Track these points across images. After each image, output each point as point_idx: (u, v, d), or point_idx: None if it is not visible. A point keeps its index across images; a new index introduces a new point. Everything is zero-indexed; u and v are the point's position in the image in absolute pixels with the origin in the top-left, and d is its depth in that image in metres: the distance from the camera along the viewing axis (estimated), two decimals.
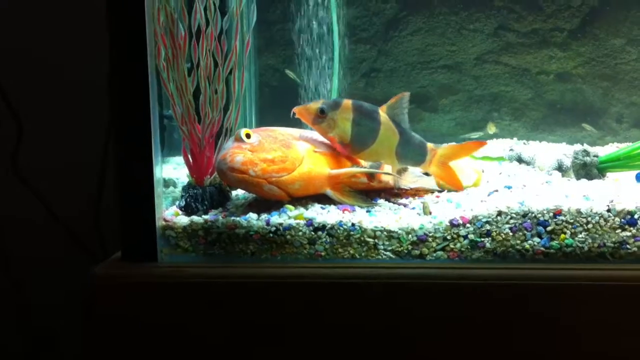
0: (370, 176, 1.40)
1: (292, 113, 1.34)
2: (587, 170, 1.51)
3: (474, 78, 2.20)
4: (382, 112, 1.37)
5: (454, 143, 2.07)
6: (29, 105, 1.74)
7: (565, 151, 1.70)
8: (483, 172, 1.54)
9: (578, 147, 1.78)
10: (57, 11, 1.74)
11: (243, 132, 1.28)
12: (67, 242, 1.77)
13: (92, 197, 1.74)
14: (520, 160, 1.72)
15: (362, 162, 1.41)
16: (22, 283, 1.81)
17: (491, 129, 2.15)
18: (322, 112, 1.34)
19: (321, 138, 1.40)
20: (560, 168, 1.57)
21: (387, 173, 1.40)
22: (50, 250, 1.78)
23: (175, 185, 1.56)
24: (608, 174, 1.53)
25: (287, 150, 1.30)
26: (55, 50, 1.74)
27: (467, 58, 2.19)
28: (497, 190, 1.39)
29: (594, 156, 1.51)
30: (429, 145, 1.43)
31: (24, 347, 1.86)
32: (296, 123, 1.39)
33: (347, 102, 1.35)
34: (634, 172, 1.48)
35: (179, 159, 1.46)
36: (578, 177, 1.52)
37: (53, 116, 1.77)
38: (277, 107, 2.11)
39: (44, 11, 1.75)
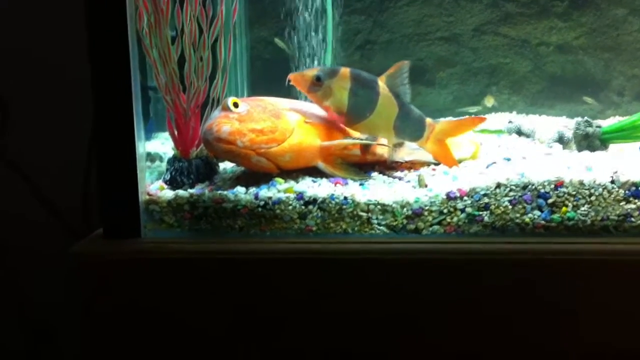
0: (364, 149, 1.34)
1: (287, 80, 1.28)
2: (590, 141, 1.46)
3: (471, 50, 2.13)
4: (382, 83, 1.31)
5: (451, 118, 2.04)
6: (15, 92, 1.67)
7: (566, 123, 1.64)
8: (481, 144, 1.48)
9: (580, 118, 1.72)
10: (40, 3, 1.67)
11: (231, 100, 1.23)
12: (54, 225, 1.71)
13: (80, 179, 1.67)
14: (519, 132, 1.67)
15: (355, 135, 1.35)
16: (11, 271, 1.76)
17: (489, 101, 2.09)
18: (318, 80, 1.28)
19: (312, 109, 1.34)
20: (561, 140, 1.51)
21: (381, 144, 1.34)
22: (37, 235, 1.73)
23: (161, 160, 1.51)
24: (611, 145, 1.48)
25: (276, 121, 1.25)
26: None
27: (464, 29, 2.13)
28: (495, 163, 1.34)
29: (597, 127, 1.45)
30: (428, 120, 1.37)
31: (22, 339, 1.81)
32: (289, 96, 1.33)
33: (345, 70, 1.29)
34: (638, 143, 1.42)
35: (168, 134, 1.41)
36: (580, 149, 1.47)
37: (39, 101, 1.70)
38: (269, 80, 2.04)
39: (27, 3, 1.68)
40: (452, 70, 2.16)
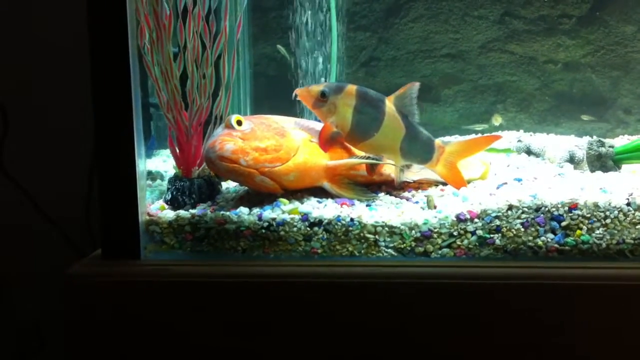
0: (371, 169, 1.30)
1: (294, 95, 1.25)
2: (602, 161, 1.42)
3: (478, 67, 2.11)
4: (389, 103, 1.27)
5: (457, 136, 2.00)
6: (15, 99, 1.64)
7: (576, 143, 1.60)
8: (490, 164, 1.44)
9: (590, 138, 1.68)
10: (45, 11, 1.65)
11: (234, 118, 1.20)
12: (57, 240, 1.68)
13: (83, 195, 1.64)
14: (529, 152, 1.63)
15: (359, 154, 1.32)
16: (7, 284, 1.72)
17: (497, 120, 2.06)
18: (323, 96, 1.25)
19: (318, 127, 1.30)
20: (572, 160, 1.48)
21: (389, 163, 1.30)
22: (40, 250, 1.69)
23: (162, 178, 1.48)
24: (624, 165, 1.44)
25: (281, 139, 1.21)
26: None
27: (471, 46, 2.11)
28: (506, 183, 1.30)
29: (610, 147, 1.42)
30: (437, 142, 1.33)
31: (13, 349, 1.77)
32: (293, 114, 1.30)
33: (351, 88, 1.26)
34: None
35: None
36: (592, 169, 1.43)
37: (41, 110, 1.67)
38: (273, 97, 2.02)
39: (31, 10, 1.66)
40: (458, 88, 2.13)
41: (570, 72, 2.08)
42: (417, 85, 1.26)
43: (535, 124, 2.11)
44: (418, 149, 1.30)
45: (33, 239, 1.69)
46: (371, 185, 1.33)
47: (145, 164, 1.18)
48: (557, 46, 2.07)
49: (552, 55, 2.08)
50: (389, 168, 1.34)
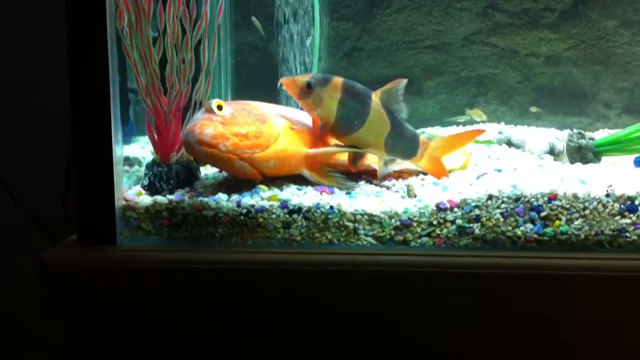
0: (353, 163, 1.28)
1: (279, 84, 1.24)
2: (583, 153, 1.42)
3: (460, 59, 2.11)
4: (375, 97, 1.26)
5: (438, 127, 2.00)
6: None
7: (556, 135, 1.61)
8: (471, 154, 1.44)
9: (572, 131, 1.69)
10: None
11: (214, 102, 1.18)
12: (33, 228, 1.65)
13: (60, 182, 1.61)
14: (509, 143, 1.63)
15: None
16: None
17: (479, 115, 2.06)
18: (308, 87, 1.23)
19: (299, 115, 1.30)
20: (552, 152, 1.48)
21: (370, 152, 1.29)
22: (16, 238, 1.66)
23: (140, 164, 1.46)
24: (604, 158, 1.44)
25: (261, 126, 1.20)
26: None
27: (454, 38, 2.10)
28: (486, 173, 1.30)
29: (590, 139, 1.42)
30: (422, 138, 1.31)
31: None
32: (275, 103, 1.29)
33: (338, 80, 1.24)
34: (631, 157, 1.39)
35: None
36: (572, 161, 1.43)
37: (18, 100, 1.64)
38: (254, 87, 2.00)
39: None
40: (440, 80, 2.13)
41: (552, 65, 2.09)
42: (404, 81, 1.25)
43: (517, 117, 2.12)
44: (403, 145, 1.29)
45: (10, 232, 1.66)
46: (351, 174, 1.33)
47: (122, 149, 1.16)
48: (539, 40, 2.07)
49: (534, 48, 2.08)
50: (370, 158, 1.33)
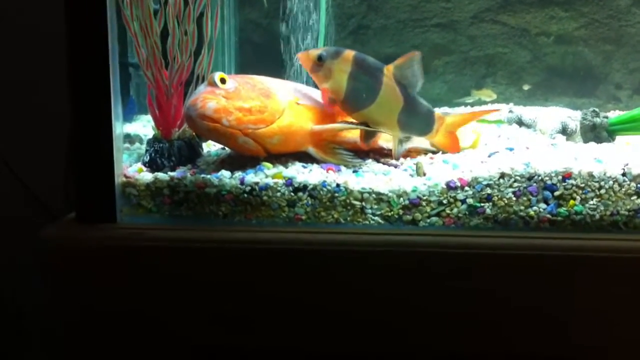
0: (365, 139, 1.24)
1: (295, 59, 1.21)
2: (596, 132, 1.38)
3: (469, 38, 2.06)
4: (388, 72, 1.22)
5: (447, 108, 1.96)
6: None
7: (568, 114, 1.56)
8: (481, 133, 1.40)
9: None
10: None
11: (217, 76, 1.14)
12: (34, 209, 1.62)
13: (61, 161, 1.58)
14: (520, 123, 1.59)
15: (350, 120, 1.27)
16: None
17: (489, 95, 2.02)
18: (320, 59, 1.21)
19: (305, 90, 1.27)
20: (564, 131, 1.44)
21: (379, 130, 1.25)
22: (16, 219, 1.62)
23: (141, 142, 1.42)
24: (618, 137, 1.40)
25: (266, 100, 1.16)
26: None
27: (462, 16, 2.06)
28: (498, 152, 1.26)
29: (604, 117, 1.38)
30: (437, 113, 1.28)
31: None
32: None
33: (349, 53, 1.21)
34: None
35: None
36: (586, 140, 1.39)
37: (16, 78, 1.60)
38: (258, 65, 1.96)
39: None
40: (448, 59, 2.08)
41: (562, 45, 2.04)
42: (418, 54, 1.21)
43: (525, 98, 2.07)
44: (418, 121, 1.26)
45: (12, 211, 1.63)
46: (358, 152, 1.29)
47: (122, 125, 1.13)
48: (550, 18, 2.03)
49: (544, 27, 2.04)
50: (380, 136, 1.29)
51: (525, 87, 2.04)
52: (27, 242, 1.30)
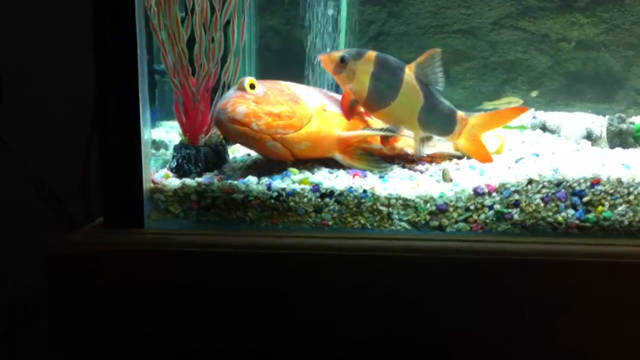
0: (385, 139, 1.26)
1: (316, 60, 1.22)
2: (623, 138, 1.38)
3: (489, 44, 2.06)
4: (409, 71, 1.22)
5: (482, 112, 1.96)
6: (10, 61, 1.58)
7: (593, 119, 1.56)
8: (506, 139, 1.39)
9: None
10: None
11: (247, 81, 1.15)
12: (50, 213, 1.62)
13: (79, 162, 1.58)
14: (544, 128, 1.59)
15: (376, 126, 1.27)
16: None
17: (517, 102, 2.01)
18: (342, 61, 1.23)
19: (332, 97, 1.27)
20: (589, 137, 1.43)
21: (404, 135, 1.26)
22: (30, 222, 1.63)
23: (166, 148, 1.43)
24: None
25: (294, 106, 1.17)
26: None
27: (483, 22, 2.05)
28: (523, 158, 1.25)
29: (630, 123, 1.37)
30: (460, 114, 1.28)
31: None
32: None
33: (371, 54, 1.23)
34: None
35: (174, 123, 1.33)
36: (612, 146, 1.39)
37: (37, 76, 1.61)
38: (279, 72, 1.96)
39: None
40: (468, 65, 2.08)
41: (583, 50, 2.03)
42: (438, 51, 1.22)
43: (546, 104, 2.06)
44: (438, 120, 1.25)
45: (27, 212, 1.64)
46: (384, 158, 1.29)
47: (150, 131, 1.14)
48: (571, 24, 2.02)
49: (565, 33, 2.03)
50: (403, 142, 1.30)
51: (533, 94, 2.03)
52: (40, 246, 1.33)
